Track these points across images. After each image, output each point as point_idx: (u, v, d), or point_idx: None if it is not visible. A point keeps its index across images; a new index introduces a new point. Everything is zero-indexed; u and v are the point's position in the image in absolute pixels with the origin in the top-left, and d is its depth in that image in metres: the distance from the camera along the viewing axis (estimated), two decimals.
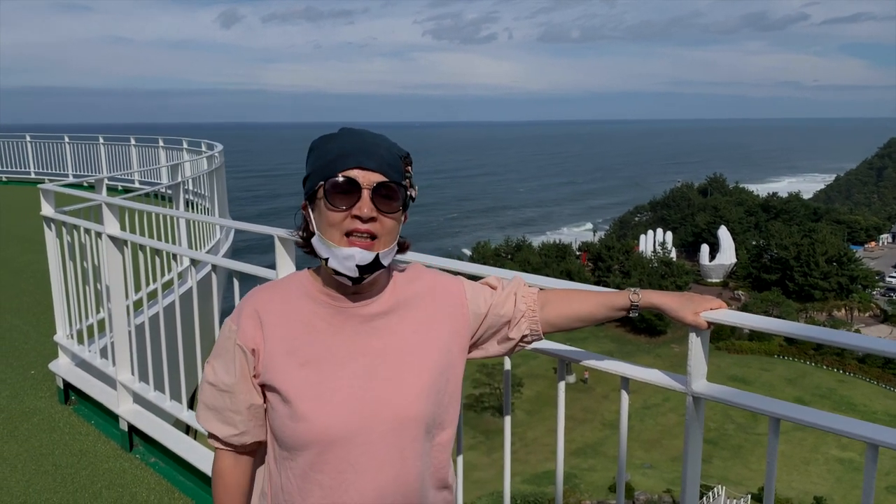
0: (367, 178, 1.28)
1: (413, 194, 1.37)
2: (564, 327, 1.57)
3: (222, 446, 1.44)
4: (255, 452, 1.47)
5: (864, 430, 1.35)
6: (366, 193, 1.28)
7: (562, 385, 1.90)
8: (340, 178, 1.28)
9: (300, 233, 1.42)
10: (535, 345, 1.79)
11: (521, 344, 1.57)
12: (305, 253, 1.42)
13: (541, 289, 1.60)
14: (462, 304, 1.48)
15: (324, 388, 1.31)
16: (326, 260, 1.32)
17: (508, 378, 2.02)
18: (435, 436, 1.40)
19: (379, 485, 1.32)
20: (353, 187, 1.28)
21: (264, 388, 1.37)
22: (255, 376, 1.37)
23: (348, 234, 1.29)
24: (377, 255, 1.30)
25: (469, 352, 1.53)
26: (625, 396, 1.75)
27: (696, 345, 1.56)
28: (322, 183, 1.30)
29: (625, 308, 1.53)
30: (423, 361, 1.38)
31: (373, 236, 1.29)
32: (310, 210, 1.37)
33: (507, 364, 1.98)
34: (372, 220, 1.28)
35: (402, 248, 1.41)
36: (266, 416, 1.41)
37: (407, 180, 1.35)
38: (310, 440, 1.30)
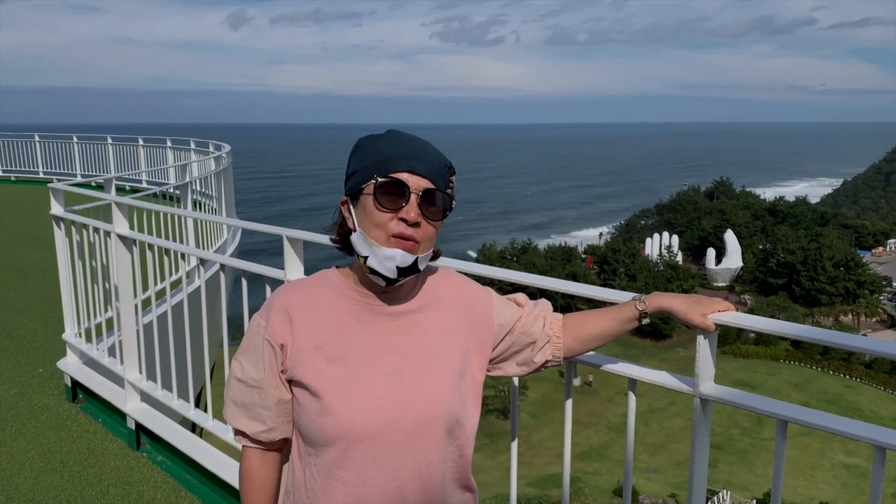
0: (417, 183, 1.30)
1: (453, 204, 1.39)
2: (581, 350, 1.60)
3: (250, 444, 1.43)
4: (282, 450, 1.47)
5: (871, 433, 1.35)
6: (414, 198, 1.29)
7: (569, 386, 1.90)
8: (392, 179, 1.29)
9: (335, 229, 1.42)
10: None
11: (540, 368, 1.59)
12: (338, 249, 1.43)
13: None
14: (488, 313, 1.51)
15: (351, 385, 1.32)
16: (365, 258, 1.32)
17: (516, 395, 2.01)
18: (457, 437, 1.41)
19: (402, 483, 1.33)
20: (403, 190, 1.29)
21: (291, 383, 1.38)
22: (282, 371, 1.37)
23: (393, 235, 1.31)
24: (416, 259, 1.32)
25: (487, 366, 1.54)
26: (632, 398, 1.75)
27: (703, 347, 1.57)
28: (372, 181, 1.30)
29: (635, 318, 1.55)
30: (449, 363, 1.40)
31: (415, 240, 1.31)
32: (351, 207, 1.37)
33: (515, 380, 1.97)
34: (416, 224, 1.30)
35: (435, 255, 1.43)
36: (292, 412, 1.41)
37: (450, 189, 1.37)
38: (335, 436, 1.31)
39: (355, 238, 1.34)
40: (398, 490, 1.33)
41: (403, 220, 1.29)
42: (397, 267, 1.30)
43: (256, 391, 1.38)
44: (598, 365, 1.78)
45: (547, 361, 1.57)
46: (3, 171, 17.19)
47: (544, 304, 1.60)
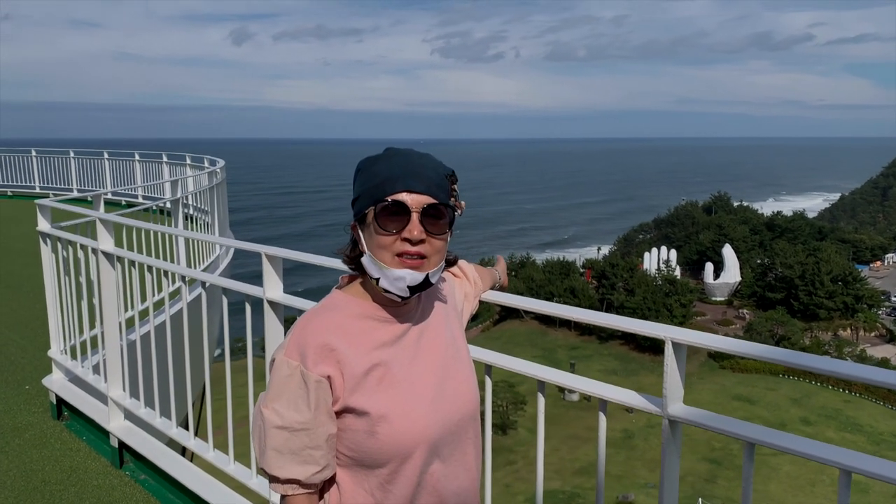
0: (416, 201, 1.31)
1: (459, 211, 1.41)
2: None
3: (300, 490, 1.35)
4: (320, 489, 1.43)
5: (837, 456, 1.33)
6: (415, 216, 1.31)
7: (541, 405, 1.88)
8: (389, 202, 1.30)
9: (347, 252, 1.44)
10: (514, 367, 1.83)
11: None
12: (352, 270, 1.44)
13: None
14: (454, 293, 1.63)
15: (408, 398, 1.35)
16: (377, 280, 1.34)
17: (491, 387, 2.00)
18: (477, 424, 1.49)
19: (461, 484, 1.41)
20: (402, 210, 1.30)
21: (342, 413, 1.35)
22: (334, 403, 1.34)
23: (399, 255, 1.32)
24: (427, 275, 1.34)
25: None
26: (602, 419, 1.73)
27: (672, 367, 1.55)
28: (372, 207, 1.32)
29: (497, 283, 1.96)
30: (465, 353, 1.50)
31: (422, 256, 1.32)
32: (359, 230, 1.38)
33: (489, 391, 1.97)
34: (421, 241, 1.31)
35: (452, 262, 1.49)
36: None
37: (453, 198, 1.38)
38: (403, 449, 1.33)
39: (366, 261, 1.36)
40: (458, 488, 1.40)
41: (407, 239, 1.31)
42: (408, 286, 1.33)
43: (304, 433, 1.32)
44: (570, 384, 1.77)
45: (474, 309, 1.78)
46: (0, 186, 17.19)
47: (465, 264, 1.76)
